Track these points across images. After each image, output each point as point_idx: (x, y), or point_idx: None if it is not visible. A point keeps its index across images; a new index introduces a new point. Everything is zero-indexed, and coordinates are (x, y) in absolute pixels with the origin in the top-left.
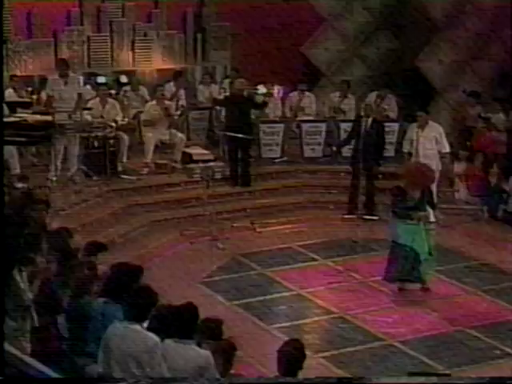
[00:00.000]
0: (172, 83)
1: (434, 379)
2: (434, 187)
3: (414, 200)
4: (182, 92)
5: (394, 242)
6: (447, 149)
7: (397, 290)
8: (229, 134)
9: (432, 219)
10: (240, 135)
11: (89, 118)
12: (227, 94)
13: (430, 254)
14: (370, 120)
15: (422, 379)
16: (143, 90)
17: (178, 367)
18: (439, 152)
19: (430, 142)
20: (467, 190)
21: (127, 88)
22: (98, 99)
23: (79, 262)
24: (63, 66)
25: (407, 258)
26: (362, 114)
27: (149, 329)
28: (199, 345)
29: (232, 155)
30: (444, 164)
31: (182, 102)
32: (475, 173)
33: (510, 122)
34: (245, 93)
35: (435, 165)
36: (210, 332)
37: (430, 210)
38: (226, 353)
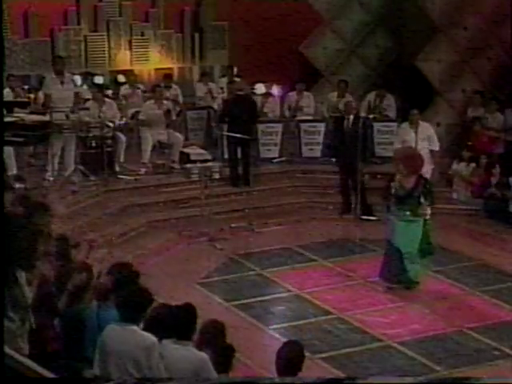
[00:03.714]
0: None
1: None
2: None
3: (404, 190)
4: (178, 91)
5: (389, 240)
6: (437, 147)
7: (388, 290)
8: (227, 134)
9: (427, 213)
10: (239, 135)
11: (86, 117)
12: (234, 95)
13: (421, 251)
14: (351, 117)
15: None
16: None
17: (174, 368)
18: (430, 151)
19: (424, 142)
20: (469, 191)
21: (140, 86)
22: (95, 98)
23: (75, 266)
24: (60, 63)
25: (396, 258)
26: (343, 112)
27: (147, 329)
28: (200, 347)
29: (232, 156)
30: (441, 163)
31: (179, 99)
32: (479, 174)
33: (508, 121)
34: (242, 92)
35: (429, 162)
36: (212, 335)
37: (425, 203)
38: (224, 355)
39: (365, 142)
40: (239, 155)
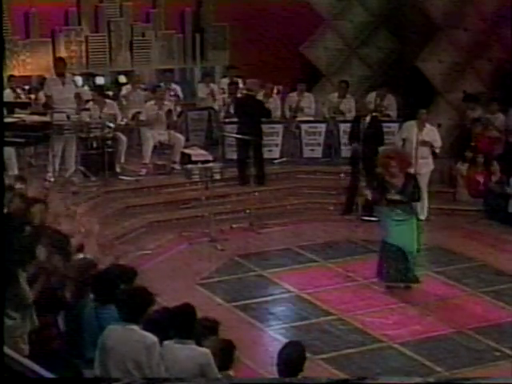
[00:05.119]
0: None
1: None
2: (424, 185)
3: (396, 189)
4: (178, 90)
5: (384, 240)
6: (439, 143)
7: (388, 290)
8: (231, 135)
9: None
10: (246, 137)
11: (87, 118)
12: (240, 95)
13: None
14: (367, 119)
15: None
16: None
17: (179, 367)
18: (433, 147)
19: (425, 144)
20: (468, 191)
21: (142, 86)
22: (95, 100)
23: (78, 262)
24: (61, 66)
25: (397, 258)
26: (359, 113)
27: (146, 331)
28: (199, 344)
29: (241, 157)
30: (442, 164)
31: (179, 94)
32: (477, 174)
33: (509, 122)
34: (239, 94)
35: (429, 164)
36: (205, 331)
37: (416, 203)
38: (224, 352)
39: (380, 143)
40: (250, 155)
